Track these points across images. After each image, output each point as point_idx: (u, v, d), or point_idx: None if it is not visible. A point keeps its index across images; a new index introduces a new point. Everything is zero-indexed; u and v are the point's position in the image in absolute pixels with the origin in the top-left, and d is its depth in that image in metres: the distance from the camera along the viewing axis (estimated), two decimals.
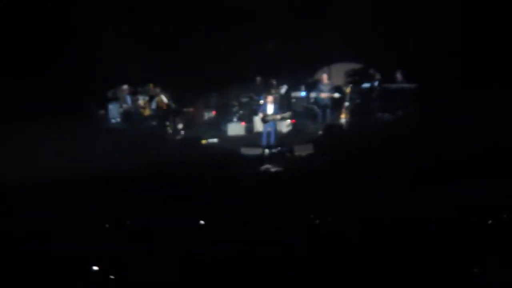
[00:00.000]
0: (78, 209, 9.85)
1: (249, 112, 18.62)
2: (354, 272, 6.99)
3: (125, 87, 18.79)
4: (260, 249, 7.72)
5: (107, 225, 9.04)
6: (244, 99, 19.09)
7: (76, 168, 12.68)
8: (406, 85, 17.75)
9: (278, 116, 15.64)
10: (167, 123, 17.48)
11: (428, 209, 9.19)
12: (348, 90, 18.13)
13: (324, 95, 17.45)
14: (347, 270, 7.04)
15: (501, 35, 15.77)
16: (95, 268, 7.30)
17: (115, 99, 19.56)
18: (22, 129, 14.00)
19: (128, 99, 18.70)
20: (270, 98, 15.91)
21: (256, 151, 14.85)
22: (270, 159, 14.66)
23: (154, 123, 18.51)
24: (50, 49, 16.12)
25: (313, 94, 18.49)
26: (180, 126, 17.44)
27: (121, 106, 18.71)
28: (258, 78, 19.51)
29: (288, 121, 17.43)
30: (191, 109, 17.80)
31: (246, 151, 14.87)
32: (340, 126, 17.29)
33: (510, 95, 14.17)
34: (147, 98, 18.96)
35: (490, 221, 8.41)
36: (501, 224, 8.38)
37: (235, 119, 18.39)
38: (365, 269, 7.03)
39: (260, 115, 15.79)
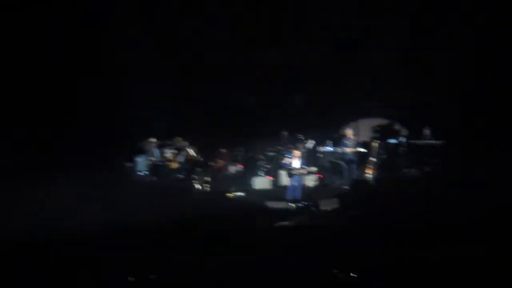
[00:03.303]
0: (103, 262, 9.89)
1: (275, 166, 18.67)
2: None
3: (153, 139, 19.00)
4: None
5: (131, 279, 9.05)
6: (271, 153, 19.18)
7: (103, 220, 12.78)
8: (433, 141, 17.74)
9: (305, 171, 15.64)
10: (195, 176, 17.59)
11: (455, 267, 9.08)
12: (375, 145, 18.14)
13: (349, 150, 17.47)
14: None
15: None
16: None
17: (143, 151, 19.80)
18: (47, 181, 14.18)
19: (156, 151, 18.90)
20: (297, 153, 15.96)
21: (282, 205, 14.84)
22: (295, 213, 14.61)
23: (181, 176, 18.65)
24: (78, 99, 16.44)
25: (338, 149, 18.53)
26: (207, 179, 17.52)
27: (148, 159, 18.90)
28: (285, 133, 19.64)
29: (315, 175, 17.42)
30: (217, 163, 17.91)
31: (272, 204, 14.86)
32: (366, 181, 17.24)
33: None
34: (175, 151, 19.16)
35: None
36: None
37: (261, 173, 18.43)
38: None
39: (286, 169, 15.83)
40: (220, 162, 18.09)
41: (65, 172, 14.73)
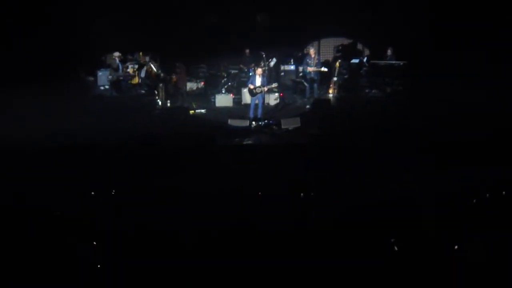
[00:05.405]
0: (63, 176, 9.89)
1: (237, 83, 18.59)
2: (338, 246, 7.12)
3: (116, 54, 18.69)
4: (244, 221, 7.82)
5: (93, 193, 9.11)
6: (233, 71, 19.03)
7: (63, 134, 12.73)
8: (394, 62, 17.84)
9: (266, 88, 15.59)
10: (156, 92, 17.42)
11: (410, 187, 9.33)
12: (337, 65, 18.13)
13: (310, 69, 17.40)
14: (332, 244, 7.17)
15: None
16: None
17: (105, 66, 19.48)
18: (9, 93, 13.99)
19: (118, 66, 18.64)
20: (259, 71, 15.84)
21: (243, 123, 14.86)
22: (257, 131, 14.68)
23: (142, 91, 18.47)
24: (40, 14, 16.05)
25: (300, 68, 18.47)
26: (168, 94, 17.38)
27: (110, 74, 18.66)
28: (247, 50, 19.47)
29: (276, 94, 17.42)
30: (174, 77, 17.65)
31: (233, 122, 14.88)
32: (328, 100, 17.34)
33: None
34: (136, 66, 18.89)
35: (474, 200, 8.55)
36: (485, 204, 8.51)
37: (223, 91, 18.35)
38: (349, 244, 7.17)
39: (250, 86, 15.74)
40: (175, 77, 17.79)
41: (27, 84, 14.57)
